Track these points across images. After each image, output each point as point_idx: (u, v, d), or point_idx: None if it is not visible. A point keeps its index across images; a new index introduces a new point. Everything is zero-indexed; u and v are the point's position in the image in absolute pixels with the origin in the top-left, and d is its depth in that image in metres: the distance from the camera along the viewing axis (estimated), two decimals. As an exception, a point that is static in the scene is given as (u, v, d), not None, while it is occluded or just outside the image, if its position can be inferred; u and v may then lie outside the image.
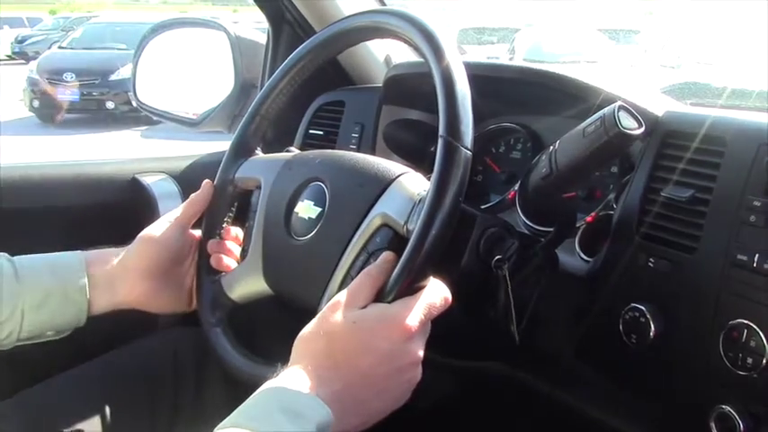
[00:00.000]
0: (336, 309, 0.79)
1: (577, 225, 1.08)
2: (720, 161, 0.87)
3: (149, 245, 1.02)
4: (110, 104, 10.51)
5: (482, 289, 0.98)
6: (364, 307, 0.79)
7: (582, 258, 1.05)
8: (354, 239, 0.90)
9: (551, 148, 0.91)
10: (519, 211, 1.17)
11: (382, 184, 0.91)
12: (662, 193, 0.91)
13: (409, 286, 0.80)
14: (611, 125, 0.82)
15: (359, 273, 0.88)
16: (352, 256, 0.90)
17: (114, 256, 1.01)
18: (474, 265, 0.97)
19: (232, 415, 0.69)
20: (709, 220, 0.86)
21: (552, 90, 1.09)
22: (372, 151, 1.35)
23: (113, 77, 10.46)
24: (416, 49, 0.91)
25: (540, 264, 1.03)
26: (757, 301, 0.80)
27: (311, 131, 1.46)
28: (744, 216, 0.82)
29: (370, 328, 0.77)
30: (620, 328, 0.92)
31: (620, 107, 0.83)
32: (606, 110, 0.84)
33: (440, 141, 0.83)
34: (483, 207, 1.24)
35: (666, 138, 0.94)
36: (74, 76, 10.62)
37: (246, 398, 0.72)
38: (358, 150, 1.34)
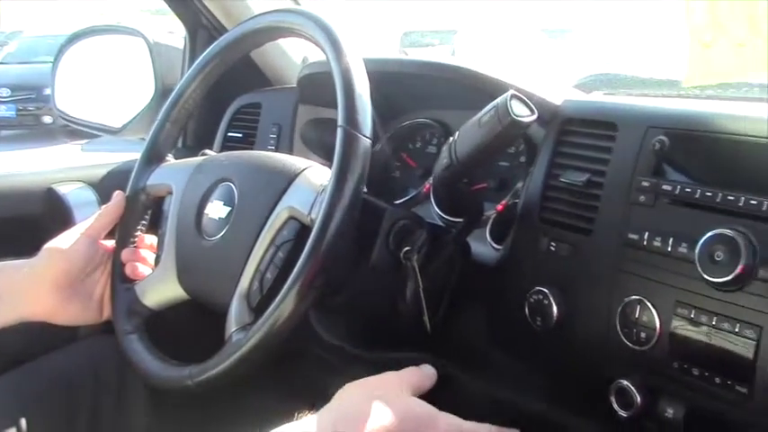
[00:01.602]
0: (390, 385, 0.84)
1: (488, 214, 1.11)
2: (612, 145, 0.90)
3: (56, 256, 1.00)
4: (47, 119, 10.25)
5: (393, 280, 1.00)
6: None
7: (492, 247, 1.07)
8: (263, 234, 0.91)
9: (451, 139, 0.93)
10: (432, 203, 1.19)
11: (288, 179, 0.92)
12: (560, 179, 0.94)
13: (315, 274, 0.81)
14: (503, 114, 0.85)
15: (268, 267, 0.90)
16: (261, 250, 0.91)
17: (18, 269, 1.00)
18: (384, 258, 0.99)
19: None
20: (604, 202, 0.89)
21: (457, 83, 1.12)
22: (290, 151, 1.36)
23: (49, 91, 10.22)
24: (318, 45, 0.93)
25: (452, 254, 1.05)
26: (648, 278, 0.83)
27: (230, 134, 1.47)
28: (634, 197, 0.86)
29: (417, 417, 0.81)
30: (526, 311, 0.94)
31: (513, 96, 0.86)
32: (499, 99, 0.86)
33: (339, 131, 0.84)
34: (399, 201, 1.26)
35: (564, 125, 0.97)
36: (9, 91, 10.37)
37: (167, 404, 0.72)
38: (276, 151, 1.35)
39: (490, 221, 1.11)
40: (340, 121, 0.85)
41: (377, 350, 1.13)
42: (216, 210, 0.97)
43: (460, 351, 1.09)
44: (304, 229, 0.88)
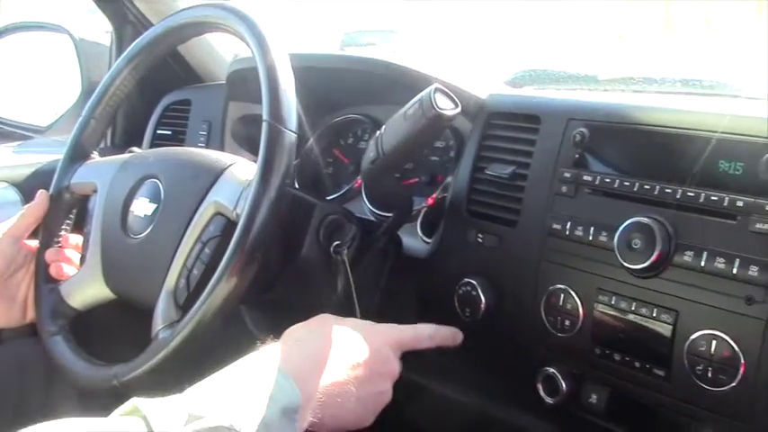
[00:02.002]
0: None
1: (419, 209, 1.12)
2: (536, 138, 0.92)
3: None
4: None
5: (324, 275, 1.00)
6: None
7: (423, 240, 1.08)
8: (189, 231, 0.90)
9: (378, 133, 0.93)
10: (364, 198, 1.20)
11: (214, 175, 0.91)
12: (486, 172, 0.95)
13: (241, 268, 0.81)
14: (427, 107, 0.85)
15: (195, 264, 0.88)
16: (187, 247, 0.89)
17: None
18: (314, 252, 0.99)
19: (204, 381, 0.67)
20: (528, 193, 0.91)
21: (384, 78, 1.12)
22: (221, 148, 1.35)
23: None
24: (243, 40, 0.92)
25: (384, 248, 1.06)
26: (571, 267, 0.85)
27: (159, 132, 1.45)
28: (557, 187, 0.87)
29: (363, 327, 0.82)
30: (455, 303, 0.95)
31: (437, 89, 0.86)
32: (423, 93, 0.87)
33: (263, 125, 0.84)
34: (331, 197, 1.26)
35: (490, 119, 0.98)
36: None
37: (96, 405, 0.70)
38: (207, 149, 1.33)
39: (421, 215, 1.12)
40: (265, 116, 0.84)
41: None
42: (141, 207, 0.96)
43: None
44: (230, 225, 0.87)
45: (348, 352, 0.77)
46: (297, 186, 1.29)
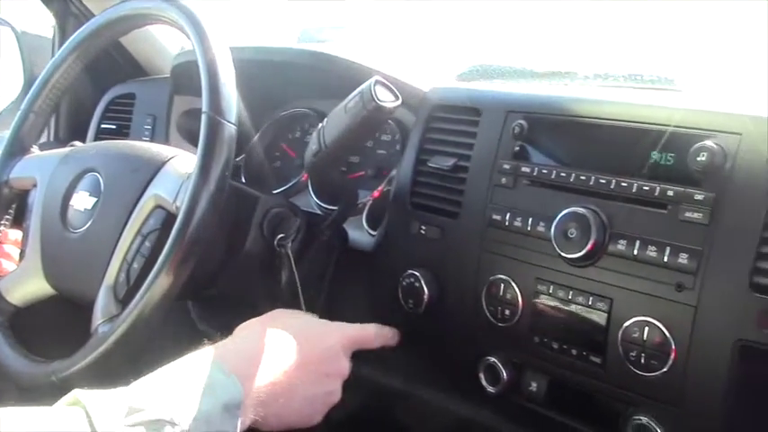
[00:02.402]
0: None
1: (364, 201, 1.12)
2: (476, 130, 0.92)
3: None
4: None
5: (269, 268, 1.00)
6: None
7: (368, 233, 1.09)
8: (129, 224, 0.89)
9: (320, 125, 0.93)
10: (310, 191, 1.20)
11: (155, 168, 0.91)
12: (429, 164, 0.96)
13: (181, 261, 0.80)
14: (368, 99, 0.86)
15: (135, 257, 0.88)
16: (127, 241, 0.89)
17: None
18: (258, 246, 0.99)
19: (147, 376, 0.67)
20: (469, 185, 0.91)
21: (327, 71, 1.12)
22: (166, 143, 1.33)
23: None
24: (183, 32, 0.91)
25: (329, 241, 1.06)
26: (511, 257, 0.86)
27: (103, 126, 1.43)
28: (496, 179, 0.88)
29: (314, 325, 0.84)
30: (399, 294, 0.96)
31: (377, 82, 0.87)
32: (364, 85, 0.87)
33: (203, 117, 0.84)
34: (278, 191, 1.25)
35: (432, 111, 0.99)
36: None
37: (37, 403, 0.69)
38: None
39: (366, 208, 1.12)
40: (204, 108, 0.84)
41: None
42: (81, 201, 0.95)
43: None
44: (170, 218, 0.86)
45: (296, 351, 0.77)
46: (243, 180, 1.29)
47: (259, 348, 0.76)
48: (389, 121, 1.16)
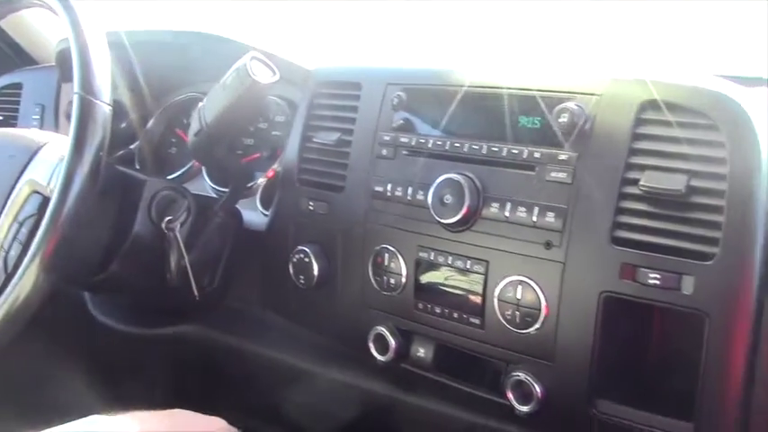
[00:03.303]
0: None
1: (259, 182, 1.12)
2: (358, 104, 0.93)
3: None
4: None
5: (158, 252, 0.99)
6: None
7: (262, 213, 1.09)
8: (5, 211, 0.87)
9: (200, 104, 0.93)
10: (204, 175, 1.19)
11: (30, 153, 0.89)
12: (314, 140, 0.96)
13: (56, 245, 0.79)
14: (244, 75, 0.86)
15: (12, 244, 0.86)
16: (4, 228, 0.87)
17: None
18: (147, 229, 0.98)
19: None
20: (353, 159, 0.92)
21: (215, 53, 1.12)
22: (56, 131, 1.30)
23: None
24: (56, 14, 0.90)
25: (223, 223, 1.06)
26: (394, 226, 0.87)
27: (-10, 117, 1.38)
28: (378, 151, 0.90)
29: None
30: (291, 271, 0.96)
31: (253, 58, 0.87)
32: (240, 62, 0.87)
33: (74, 98, 0.82)
34: (172, 176, 1.24)
35: (316, 88, 0.99)
36: None
37: None
38: (41, 132, 1.29)
39: (260, 189, 1.12)
40: (76, 88, 0.83)
41: (149, 326, 1.12)
42: None
43: (237, 318, 1.09)
44: (46, 202, 0.85)
45: None
46: (137, 167, 1.27)
47: None
48: (281, 101, 1.16)
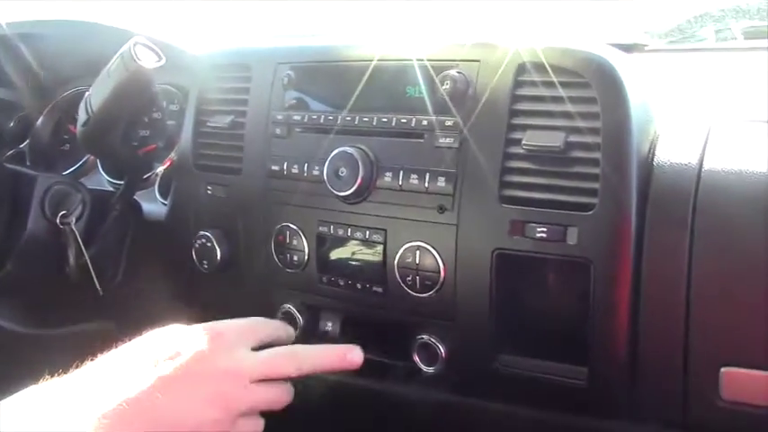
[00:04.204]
0: None
1: (157, 172, 1.11)
2: (249, 85, 0.93)
3: None
4: None
5: (55, 248, 0.97)
6: None
7: (162, 203, 1.08)
8: None
9: (86, 94, 0.91)
10: (100, 169, 1.17)
11: None
12: (208, 124, 0.96)
13: None
14: (128, 60, 0.85)
15: None
16: None
17: None
18: (41, 225, 0.96)
19: None
20: (248, 140, 0.92)
21: (99, 43, 1.09)
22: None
23: None
24: None
25: (121, 216, 1.04)
26: (292, 204, 0.88)
27: None
28: (272, 130, 0.90)
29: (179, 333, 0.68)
30: (194, 257, 0.96)
31: (137, 43, 0.86)
32: (124, 47, 0.86)
33: None
34: (67, 172, 1.21)
35: (206, 72, 0.99)
36: None
37: None
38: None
39: (158, 179, 1.11)
40: None
41: (52, 326, 1.09)
42: None
43: (142, 311, 1.08)
44: None
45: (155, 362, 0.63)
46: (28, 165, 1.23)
47: (110, 368, 0.63)
48: (174, 89, 1.15)
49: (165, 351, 0.64)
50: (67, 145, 1.29)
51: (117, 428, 0.57)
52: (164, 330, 0.68)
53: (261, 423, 0.68)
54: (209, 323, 0.70)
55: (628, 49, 1.06)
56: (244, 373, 0.66)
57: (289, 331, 0.80)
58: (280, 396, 0.69)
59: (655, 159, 0.74)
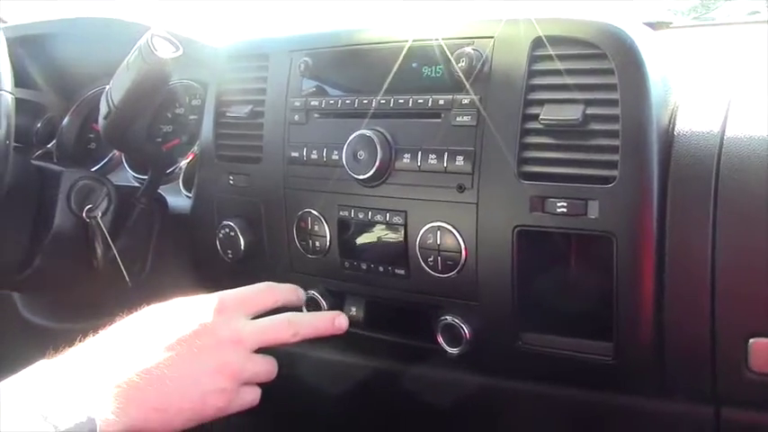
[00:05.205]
0: None
1: (180, 166, 1.12)
2: (267, 75, 0.94)
3: None
4: None
5: (83, 242, 0.98)
6: None
7: (186, 196, 1.09)
8: None
9: (107, 88, 0.92)
10: (125, 165, 1.18)
11: None
12: (228, 115, 0.97)
13: None
14: (147, 52, 0.86)
15: None
16: None
17: None
18: (68, 220, 0.97)
19: None
20: (267, 129, 0.93)
21: (120, 40, 1.11)
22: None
23: None
24: None
25: (147, 210, 1.05)
26: (313, 189, 0.88)
27: None
28: (290, 117, 0.90)
29: (181, 304, 0.72)
30: (218, 247, 0.96)
31: (154, 35, 0.87)
32: (141, 40, 0.87)
33: None
34: (94, 169, 1.23)
35: (224, 64, 1.00)
36: None
37: None
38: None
39: (182, 173, 1.12)
40: None
41: (84, 320, 1.10)
42: None
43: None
44: None
45: (160, 332, 0.67)
46: (55, 160, 1.25)
47: (115, 342, 0.66)
48: (196, 84, 1.16)
49: (168, 324, 0.68)
50: (93, 143, 1.31)
51: (131, 401, 0.59)
52: (165, 304, 0.72)
53: (258, 392, 0.71)
54: (209, 294, 0.73)
55: (652, 26, 1.05)
56: (245, 342, 0.69)
57: (300, 294, 0.84)
58: (273, 367, 0.73)
59: (675, 129, 0.73)
